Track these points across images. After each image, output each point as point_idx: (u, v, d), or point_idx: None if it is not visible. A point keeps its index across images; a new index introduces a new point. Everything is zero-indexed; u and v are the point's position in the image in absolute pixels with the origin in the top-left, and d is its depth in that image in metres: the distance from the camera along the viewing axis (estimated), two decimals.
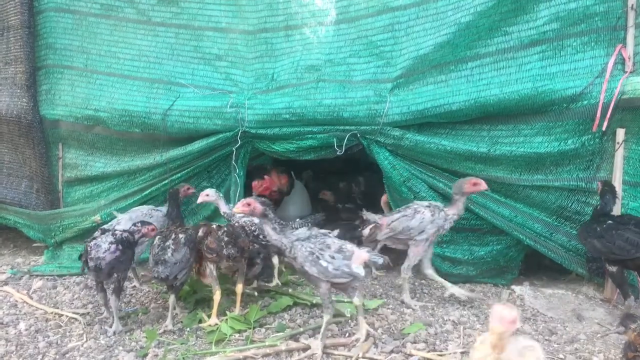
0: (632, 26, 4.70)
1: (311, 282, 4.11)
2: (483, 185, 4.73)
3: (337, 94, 5.52)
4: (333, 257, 3.93)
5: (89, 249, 4.34)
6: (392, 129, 5.33)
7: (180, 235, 4.58)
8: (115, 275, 4.39)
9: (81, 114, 6.34)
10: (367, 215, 5.11)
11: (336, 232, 4.40)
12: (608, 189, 4.66)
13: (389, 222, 4.93)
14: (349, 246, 4.06)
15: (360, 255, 3.98)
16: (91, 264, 4.29)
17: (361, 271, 3.95)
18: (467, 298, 4.93)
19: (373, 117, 5.35)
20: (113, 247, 4.35)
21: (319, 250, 3.95)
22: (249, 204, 4.07)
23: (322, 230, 4.26)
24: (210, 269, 4.55)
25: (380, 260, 4.03)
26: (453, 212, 4.82)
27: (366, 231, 5.98)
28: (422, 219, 4.78)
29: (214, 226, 4.77)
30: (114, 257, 4.33)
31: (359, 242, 5.94)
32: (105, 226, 5.37)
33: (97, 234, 4.57)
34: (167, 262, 4.40)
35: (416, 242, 4.84)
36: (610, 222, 4.47)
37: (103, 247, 4.33)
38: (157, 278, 4.48)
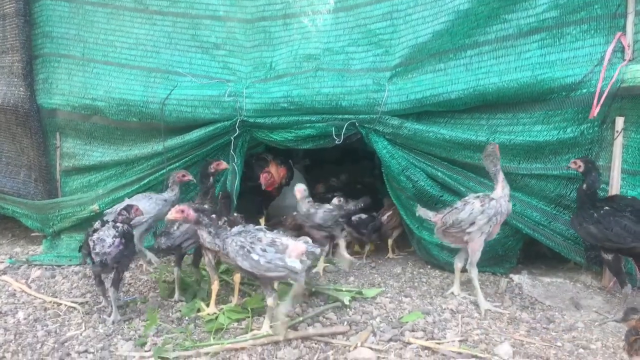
0: (631, 13, 4.67)
1: (254, 278, 4.04)
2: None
3: (335, 83, 5.50)
4: (265, 250, 3.87)
5: (92, 244, 4.28)
6: (391, 117, 5.32)
7: None
8: (118, 267, 4.41)
9: (78, 103, 6.32)
10: (421, 211, 4.96)
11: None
12: (592, 166, 4.63)
13: (442, 216, 4.76)
14: (283, 239, 3.99)
15: (296, 248, 3.91)
16: (97, 259, 4.24)
17: (297, 265, 3.88)
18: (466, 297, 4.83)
19: (372, 106, 5.34)
20: (117, 241, 4.32)
21: (250, 244, 3.89)
22: (182, 211, 4.02)
23: (258, 227, 4.21)
24: (208, 258, 4.55)
25: (317, 250, 3.98)
26: (500, 188, 4.58)
27: (384, 218, 6.02)
28: (471, 210, 4.54)
29: (214, 216, 4.77)
30: (118, 251, 4.31)
31: (378, 228, 5.94)
32: (107, 210, 5.40)
33: (97, 225, 4.51)
34: (170, 234, 4.68)
35: (471, 237, 4.59)
36: (607, 208, 4.46)
37: (107, 241, 4.30)
38: (158, 249, 4.72)
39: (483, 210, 4.52)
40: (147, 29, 6.26)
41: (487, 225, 4.54)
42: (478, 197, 4.65)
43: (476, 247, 4.62)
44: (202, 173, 5.39)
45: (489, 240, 4.75)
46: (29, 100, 6.48)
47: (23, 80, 6.49)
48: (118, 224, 4.47)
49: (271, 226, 5.97)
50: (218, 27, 6.15)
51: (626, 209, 4.39)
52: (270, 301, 4.04)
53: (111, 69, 6.31)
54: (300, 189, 5.26)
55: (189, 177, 5.64)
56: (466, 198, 4.76)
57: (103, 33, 6.39)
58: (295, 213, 5.63)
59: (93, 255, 4.26)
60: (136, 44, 6.29)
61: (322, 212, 5.23)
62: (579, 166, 4.66)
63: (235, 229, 4.13)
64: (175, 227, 4.75)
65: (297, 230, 5.69)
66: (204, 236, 4.06)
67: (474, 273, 4.64)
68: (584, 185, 4.63)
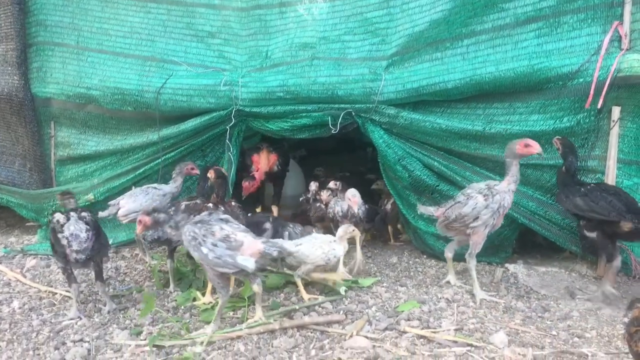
0: (628, 2, 4.65)
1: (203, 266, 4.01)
2: (536, 148, 4.34)
3: (331, 72, 5.49)
4: (215, 245, 3.75)
5: (66, 241, 4.16)
6: (387, 107, 5.31)
7: (183, 204, 4.76)
8: (97, 259, 4.38)
9: (73, 92, 6.28)
10: (422, 208, 4.90)
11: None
12: (569, 149, 4.68)
13: (444, 210, 4.66)
14: (240, 236, 3.82)
15: (252, 246, 3.78)
16: (79, 256, 4.18)
17: (249, 264, 3.75)
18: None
19: (368, 95, 5.32)
20: (90, 233, 4.24)
21: (202, 236, 3.79)
22: (140, 222, 3.99)
23: (224, 216, 4.06)
24: None
25: (275, 252, 3.81)
26: (507, 183, 4.43)
27: (388, 206, 6.07)
28: (474, 204, 4.42)
29: (211, 205, 4.75)
30: (94, 242, 4.26)
31: (382, 216, 5.97)
32: (111, 202, 5.37)
33: (61, 219, 4.27)
34: None
35: (475, 230, 4.50)
36: (593, 184, 4.59)
37: (82, 236, 4.19)
38: (145, 241, 4.80)
39: (487, 205, 4.41)
40: (141, 17, 6.22)
41: (491, 218, 4.45)
42: (481, 191, 4.50)
43: (479, 240, 4.56)
44: (202, 177, 5.38)
45: (492, 231, 4.66)
46: (23, 89, 6.45)
47: (17, 69, 6.46)
48: (83, 214, 4.38)
49: (297, 217, 5.99)
50: (213, 16, 6.11)
51: (609, 190, 4.52)
52: (255, 287, 4.00)
53: (106, 58, 6.27)
54: (355, 200, 5.34)
55: (197, 171, 5.57)
56: (468, 191, 4.61)
57: (97, 21, 6.35)
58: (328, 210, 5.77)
59: (70, 252, 4.17)
60: (131, 32, 6.25)
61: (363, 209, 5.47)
62: (558, 147, 4.74)
63: (196, 218, 4.02)
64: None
65: (321, 222, 5.74)
66: (169, 231, 4.02)
67: (472, 263, 4.60)
68: (563, 168, 4.72)
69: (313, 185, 5.98)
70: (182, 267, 5.15)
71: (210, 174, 5.06)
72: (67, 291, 4.89)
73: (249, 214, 5.38)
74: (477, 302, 4.49)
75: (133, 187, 5.76)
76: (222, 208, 4.85)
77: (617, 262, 4.46)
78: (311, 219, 5.97)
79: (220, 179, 5.09)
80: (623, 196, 4.46)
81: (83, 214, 4.38)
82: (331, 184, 5.70)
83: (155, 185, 5.61)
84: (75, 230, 4.19)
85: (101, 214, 5.23)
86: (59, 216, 4.28)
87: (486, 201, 4.42)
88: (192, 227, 3.88)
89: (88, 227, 4.26)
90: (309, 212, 6.07)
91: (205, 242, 3.77)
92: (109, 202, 5.44)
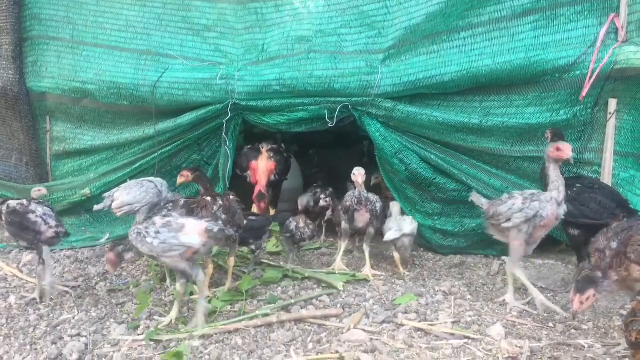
0: None
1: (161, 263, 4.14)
2: (565, 153, 4.09)
3: (328, 65, 5.46)
4: (158, 232, 3.86)
5: (42, 221, 4.43)
6: (384, 100, 5.30)
7: (182, 200, 4.68)
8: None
9: (68, 87, 6.25)
10: (474, 197, 4.66)
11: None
12: (557, 138, 4.61)
13: (489, 205, 4.45)
14: (181, 220, 3.97)
15: (195, 226, 3.92)
16: (60, 229, 4.48)
17: (194, 240, 3.87)
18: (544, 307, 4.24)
19: (365, 89, 5.31)
20: (54, 213, 4.57)
21: (145, 229, 3.90)
22: (107, 261, 4.17)
23: (166, 213, 4.18)
24: None
25: (216, 228, 3.93)
26: (549, 192, 4.17)
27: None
28: (512, 205, 4.20)
29: (208, 199, 4.73)
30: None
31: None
32: (106, 194, 5.34)
33: (24, 202, 4.55)
34: None
35: (510, 234, 4.26)
36: (579, 185, 4.51)
37: (53, 214, 4.52)
38: None
39: (522, 209, 4.16)
40: (137, 10, 6.19)
41: (525, 225, 4.16)
42: (524, 194, 4.25)
43: (515, 245, 4.29)
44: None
45: (532, 244, 4.32)
46: (18, 83, 6.41)
47: (12, 63, 6.42)
48: (40, 200, 4.69)
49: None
50: (209, 9, 6.08)
51: (594, 186, 4.47)
52: (178, 287, 4.04)
53: (101, 52, 6.24)
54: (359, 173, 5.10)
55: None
56: (516, 192, 4.36)
57: (92, 15, 6.31)
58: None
59: (47, 229, 4.42)
60: (126, 26, 6.21)
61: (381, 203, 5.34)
62: (547, 137, 4.71)
63: (139, 219, 4.22)
64: None
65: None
66: (129, 257, 4.16)
67: (511, 269, 4.36)
68: None
69: (307, 196, 6.13)
70: None
71: (185, 175, 5.11)
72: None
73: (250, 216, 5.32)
74: (508, 309, 4.29)
75: (120, 186, 5.71)
76: (221, 202, 4.82)
77: (585, 264, 4.48)
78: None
79: (198, 172, 5.13)
80: (607, 190, 4.45)
81: (41, 200, 4.74)
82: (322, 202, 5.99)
83: (150, 178, 5.58)
84: (46, 211, 4.49)
85: (96, 207, 5.20)
86: (15, 201, 4.57)
87: (523, 205, 4.17)
88: (134, 227, 4.00)
89: (50, 210, 4.58)
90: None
91: (148, 233, 3.87)
92: (104, 195, 5.40)
